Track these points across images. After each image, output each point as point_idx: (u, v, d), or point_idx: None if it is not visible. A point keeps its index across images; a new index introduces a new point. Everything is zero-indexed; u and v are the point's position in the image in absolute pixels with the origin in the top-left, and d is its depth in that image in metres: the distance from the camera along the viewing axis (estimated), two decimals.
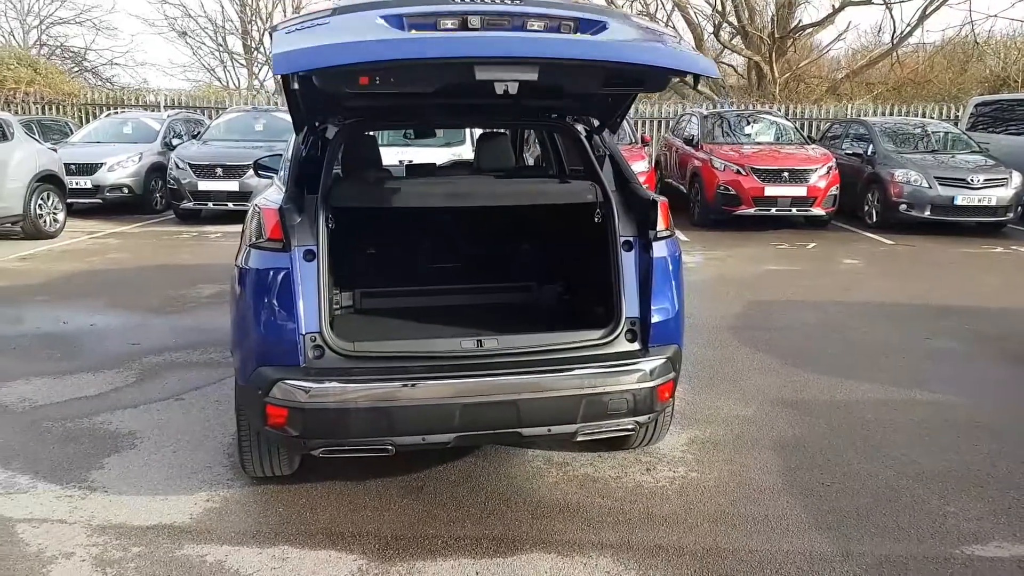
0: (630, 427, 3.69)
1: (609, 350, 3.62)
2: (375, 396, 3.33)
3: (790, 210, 12.36)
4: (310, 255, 3.46)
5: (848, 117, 18.03)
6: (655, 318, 3.68)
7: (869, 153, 13.28)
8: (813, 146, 13.73)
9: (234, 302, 3.69)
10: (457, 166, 6.13)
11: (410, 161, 6.89)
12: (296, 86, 3.16)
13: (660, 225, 3.75)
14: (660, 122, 19.62)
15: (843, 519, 3.71)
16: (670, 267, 3.77)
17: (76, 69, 32.29)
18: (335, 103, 3.81)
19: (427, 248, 4.69)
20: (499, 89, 3.06)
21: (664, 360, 3.63)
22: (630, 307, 3.69)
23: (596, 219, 3.87)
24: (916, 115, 18.55)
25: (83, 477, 4.05)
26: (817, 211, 12.39)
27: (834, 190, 12.40)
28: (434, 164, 5.86)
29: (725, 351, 6.26)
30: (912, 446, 4.52)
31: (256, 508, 3.79)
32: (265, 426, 3.44)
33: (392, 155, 9.39)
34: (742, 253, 10.77)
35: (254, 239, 3.55)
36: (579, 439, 3.67)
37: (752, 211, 12.27)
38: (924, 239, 11.84)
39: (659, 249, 3.75)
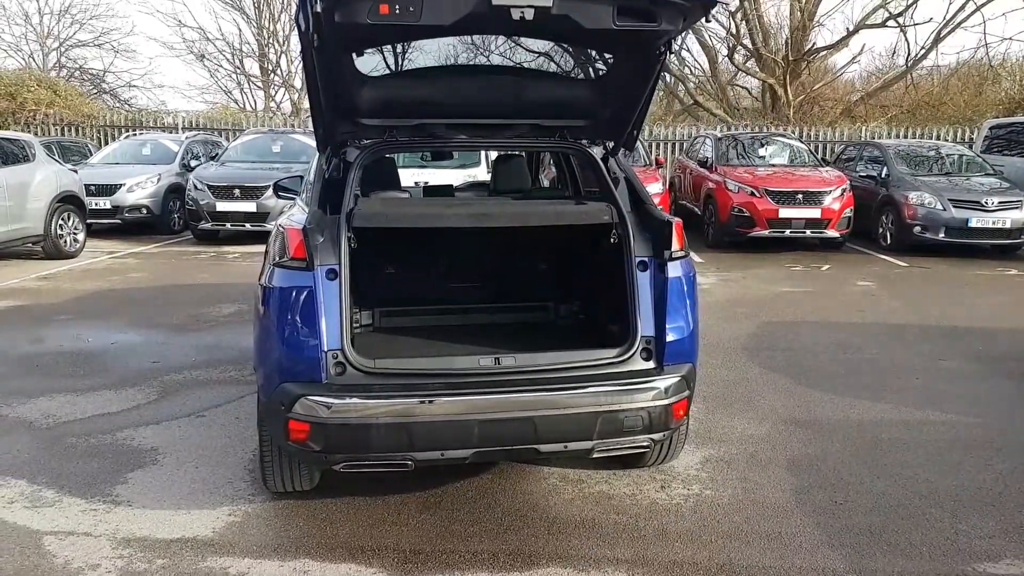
0: (645, 444, 3.75)
1: (625, 368, 3.68)
2: (395, 412, 3.41)
3: (804, 232, 12.42)
4: (332, 274, 3.55)
5: (862, 139, 18.10)
6: (670, 337, 3.74)
7: (883, 176, 13.33)
8: (827, 168, 13.78)
9: (258, 320, 3.78)
10: (474, 187, 6.24)
11: (427, 183, 7.01)
12: (317, 43, 3.19)
13: (675, 245, 3.83)
14: (674, 144, 19.74)
15: (856, 536, 3.75)
16: (685, 287, 3.84)
17: (95, 91, 32.74)
18: (358, 81, 3.86)
19: (445, 268, 4.79)
20: (515, 15, 3.15)
21: (679, 378, 3.69)
22: (645, 326, 3.76)
23: (612, 239, 3.95)
24: (930, 138, 18.62)
25: (107, 491, 4.13)
26: (831, 233, 12.43)
27: (848, 212, 12.44)
28: (451, 186, 5.96)
29: (739, 371, 6.31)
30: (925, 465, 4.55)
31: (277, 522, 3.86)
32: (287, 441, 3.51)
33: (408, 177, 9.54)
34: (756, 274, 10.82)
35: (278, 258, 3.64)
36: (595, 456, 3.73)
37: (766, 233, 12.33)
38: (938, 261, 11.86)
39: (674, 269, 3.82)
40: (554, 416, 3.49)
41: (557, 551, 3.60)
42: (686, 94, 26.93)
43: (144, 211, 13.72)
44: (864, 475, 4.41)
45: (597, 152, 4.27)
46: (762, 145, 14.74)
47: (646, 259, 3.86)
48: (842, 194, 12.47)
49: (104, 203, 13.42)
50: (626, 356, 3.70)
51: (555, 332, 4.67)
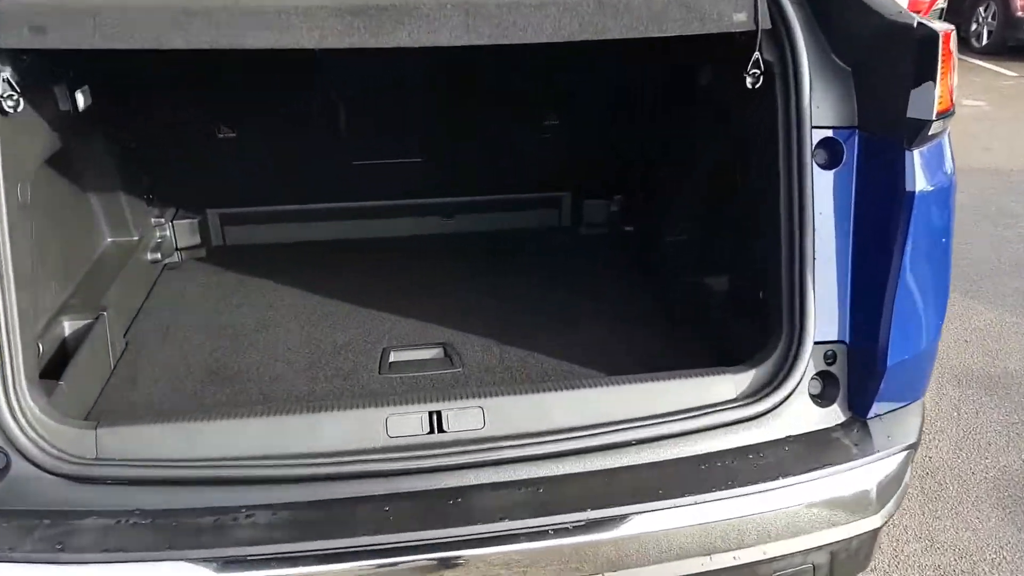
0: None
1: (769, 432, 1.42)
2: None
3: None
4: None
5: None
6: (895, 354, 1.43)
7: None
8: None
9: None
10: None
11: None
12: None
13: (935, 96, 1.40)
14: None
15: None
16: (937, 215, 1.49)
17: None
18: None
19: (345, 123, 2.31)
20: None
21: (904, 454, 1.44)
22: (825, 314, 1.45)
23: (751, 80, 1.52)
24: None
25: None
26: None
27: (942, 2, 9.80)
28: None
29: None
30: None
31: None
32: None
33: None
34: None
35: None
36: None
37: None
38: None
39: (920, 166, 1.44)
40: None
41: None
42: None
43: None
44: None
45: None
46: None
47: (842, 134, 1.47)
48: None
49: None
50: (775, 399, 1.41)
51: (572, 274, 2.30)
